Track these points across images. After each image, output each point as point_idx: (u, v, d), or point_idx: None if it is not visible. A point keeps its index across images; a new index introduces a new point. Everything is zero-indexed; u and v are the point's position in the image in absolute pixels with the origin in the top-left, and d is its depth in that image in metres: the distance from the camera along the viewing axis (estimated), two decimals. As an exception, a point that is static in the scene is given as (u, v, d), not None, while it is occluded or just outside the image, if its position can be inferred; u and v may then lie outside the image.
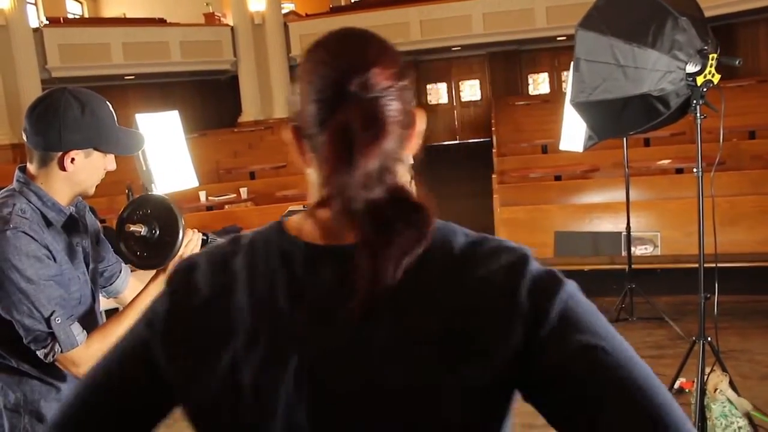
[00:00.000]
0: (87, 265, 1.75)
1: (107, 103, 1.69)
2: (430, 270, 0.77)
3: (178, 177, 5.52)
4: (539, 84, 18.28)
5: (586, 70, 2.82)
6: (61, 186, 1.65)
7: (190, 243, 1.75)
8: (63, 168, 1.62)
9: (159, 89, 17.00)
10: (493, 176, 6.54)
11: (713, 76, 2.74)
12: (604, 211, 5.38)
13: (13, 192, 1.63)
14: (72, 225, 1.70)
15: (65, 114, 1.58)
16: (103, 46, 14.56)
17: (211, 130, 16.10)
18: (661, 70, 2.69)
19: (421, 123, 0.89)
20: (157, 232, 1.57)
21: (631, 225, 4.89)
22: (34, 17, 17.29)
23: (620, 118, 2.89)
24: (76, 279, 1.67)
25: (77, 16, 20.06)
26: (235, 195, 7.88)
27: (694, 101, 2.77)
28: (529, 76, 18.34)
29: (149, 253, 1.61)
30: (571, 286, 0.78)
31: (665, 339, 4.38)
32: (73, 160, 1.61)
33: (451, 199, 10.40)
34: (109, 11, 20.45)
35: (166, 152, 5.41)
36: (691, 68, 2.70)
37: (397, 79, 0.82)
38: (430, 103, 19.15)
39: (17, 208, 1.59)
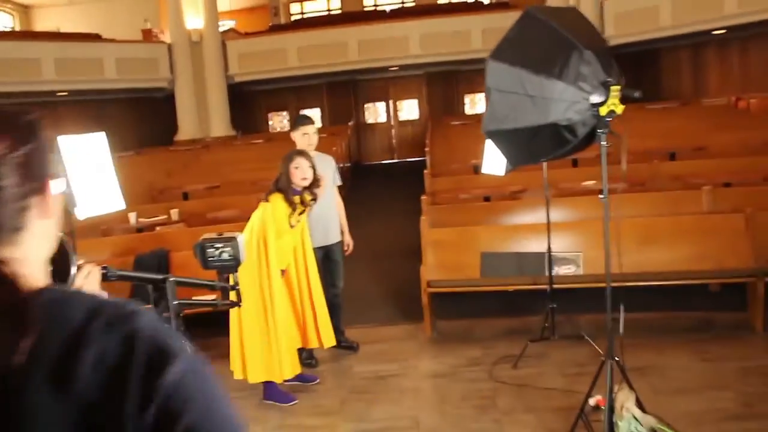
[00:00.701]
0: None
1: None
2: (50, 352, 0.74)
3: (103, 200, 5.41)
4: (476, 104, 18.62)
5: (497, 100, 2.91)
6: None
7: (90, 276, 1.73)
8: None
9: (93, 107, 16.61)
10: (423, 197, 6.63)
11: (616, 106, 2.87)
12: (530, 231, 5.52)
13: None
14: None
15: None
16: (34, 61, 14.15)
17: (146, 148, 15.80)
18: (567, 100, 2.80)
19: (56, 189, 0.88)
20: (50, 268, 1.54)
21: (555, 245, 5.04)
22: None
23: (530, 146, 2.99)
24: None
25: (7, 29, 19.47)
26: (165, 216, 7.75)
27: (599, 130, 2.89)
28: (465, 96, 18.67)
29: None
30: (183, 363, 0.75)
31: (585, 357, 4.51)
32: None
33: (384, 218, 10.50)
34: (41, 25, 19.92)
35: (91, 175, 5.30)
36: (595, 99, 2.82)
37: (12, 149, 0.81)
38: (368, 122, 19.28)
39: None
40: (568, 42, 2.80)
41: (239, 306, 2.68)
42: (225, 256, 2.59)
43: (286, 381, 4.64)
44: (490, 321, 5.57)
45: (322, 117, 19.57)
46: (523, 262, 5.45)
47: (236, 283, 2.64)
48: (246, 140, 16.02)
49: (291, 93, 19.17)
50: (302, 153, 4.34)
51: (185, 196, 9.75)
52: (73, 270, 1.56)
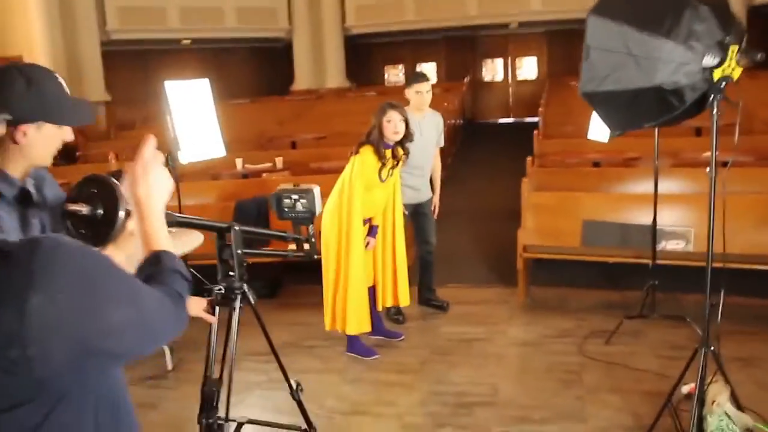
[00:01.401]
0: None
1: (56, 76, 1.70)
2: None
3: (205, 145, 5.57)
4: (599, 64, 17.70)
5: (597, 59, 2.68)
6: (13, 158, 1.66)
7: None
8: (15, 141, 1.63)
9: (214, 55, 17.16)
10: (528, 158, 6.37)
11: (733, 70, 2.57)
12: (638, 202, 5.18)
13: None
14: (27, 198, 1.71)
15: (10, 90, 1.58)
16: (160, 10, 14.75)
17: (262, 97, 16.20)
18: (675, 61, 2.53)
19: None
20: (101, 212, 1.54)
21: (666, 218, 4.71)
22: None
23: (631, 110, 2.75)
24: None
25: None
26: (270, 164, 7.91)
27: (711, 96, 2.60)
28: (588, 56, 17.76)
29: (90, 232, 1.59)
30: None
31: (684, 340, 4.22)
32: (24, 133, 1.62)
33: (490, 177, 10.24)
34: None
35: (195, 120, 5.46)
36: (708, 61, 2.53)
37: None
38: (484, 79, 18.79)
39: None
40: (680, -5, 2.52)
41: (312, 258, 2.67)
42: (300, 207, 2.58)
43: (370, 335, 4.67)
44: (586, 292, 5.33)
45: (438, 72, 19.27)
46: (627, 234, 5.14)
47: (311, 236, 2.61)
48: (359, 92, 16.06)
49: (408, 46, 18.98)
50: (395, 106, 4.24)
51: (293, 145, 9.93)
52: (121, 214, 1.56)
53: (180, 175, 7.70)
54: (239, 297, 2.32)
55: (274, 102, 15.16)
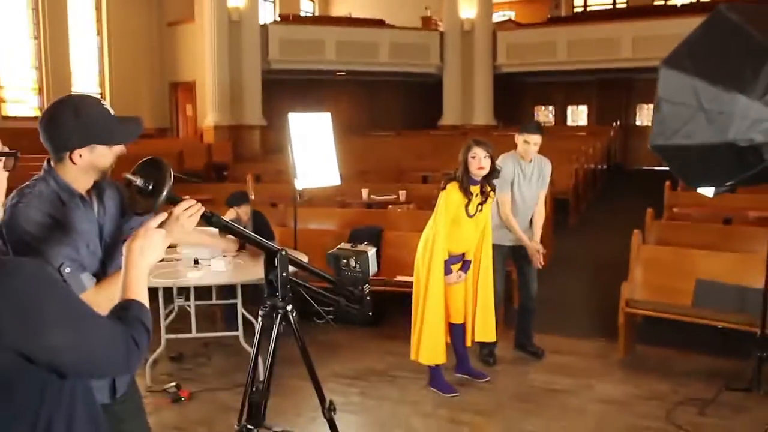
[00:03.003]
0: (101, 239, 2.05)
1: (101, 101, 1.98)
2: None
3: (322, 174, 5.87)
4: None
5: (668, 112, 2.60)
6: (75, 175, 1.97)
7: (189, 210, 1.95)
8: (74, 162, 1.92)
9: (366, 87, 17.88)
10: (649, 210, 6.09)
11: (817, 130, 2.39)
12: (759, 264, 4.78)
13: (39, 178, 1.98)
14: (88, 204, 2.01)
15: (61, 122, 1.88)
16: (318, 43, 15.67)
17: (409, 130, 16.63)
18: (750, 117, 2.40)
19: None
20: (150, 187, 1.85)
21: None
22: (270, 13, 19.05)
23: (705, 166, 2.62)
24: (84, 247, 1.96)
25: (309, 14, 21.72)
26: (395, 196, 8.13)
27: (792, 157, 2.43)
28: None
29: (139, 201, 1.93)
30: None
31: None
32: (81, 155, 1.92)
33: (620, 227, 9.73)
34: (337, 10, 21.86)
35: (314, 150, 5.78)
36: (788, 119, 2.38)
37: None
38: (637, 124, 18.07)
39: (36, 189, 1.95)
40: (761, 48, 2.39)
41: (366, 316, 2.77)
42: (355, 267, 2.69)
43: (456, 372, 4.67)
44: (693, 356, 4.99)
45: (589, 115, 18.82)
46: (743, 298, 4.77)
47: (366, 294, 2.71)
48: (505, 131, 16.01)
49: (559, 87, 18.72)
50: (480, 143, 4.27)
51: (424, 179, 10.12)
52: (165, 190, 1.85)
53: (309, 200, 8.18)
54: (280, 316, 2.45)
55: (419, 136, 15.51)
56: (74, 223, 1.97)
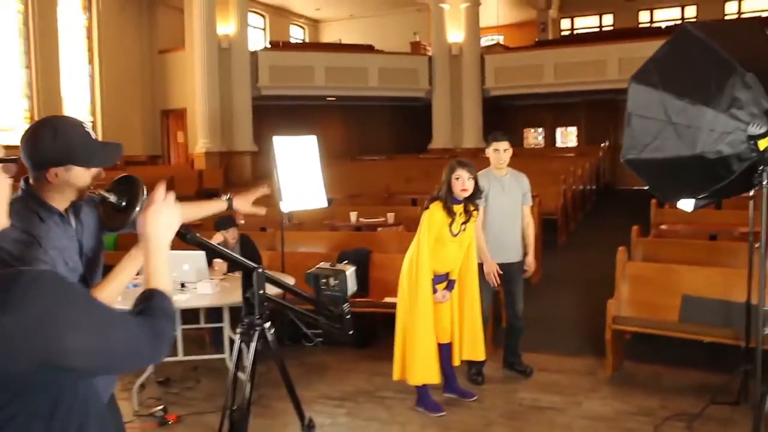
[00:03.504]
0: (81, 255, 2.07)
1: (82, 124, 2.00)
2: None
3: (308, 197, 5.91)
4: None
5: (638, 126, 2.66)
6: (53, 193, 1.99)
7: None
8: (49, 181, 1.94)
9: (356, 112, 18.00)
10: (634, 228, 6.13)
11: (783, 140, 2.44)
12: (744, 279, 4.82)
13: (17, 196, 2.01)
14: (67, 221, 2.04)
15: (40, 140, 1.92)
16: (308, 69, 15.82)
17: (399, 154, 16.73)
18: (716, 130, 2.45)
19: None
20: (124, 203, 1.93)
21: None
22: (260, 40, 19.21)
23: (677, 179, 2.67)
24: (62, 264, 1.98)
25: (299, 40, 21.93)
26: (383, 219, 8.16)
27: (760, 168, 2.48)
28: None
29: (113, 217, 2.01)
30: None
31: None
32: (56, 174, 1.94)
33: (608, 246, 9.76)
34: (327, 37, 22.10)
35: (300, 173, 5.82)
36: (754, 130, 2.43)
37: None
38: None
39: (14, 206, 1.94)
40: (725, 63, 2.44)
41: (346, 335, 2.78)
42: (334, 286, 2.71)
43: (443, 392, 4.67)
44: (682, 371, 5.00)
45: (578, 136, 18.97)
46: (729, 313, 4.79)
47: (347, 313, 2.73)
48: (494, 153, 16.14)
49: (548, 110, 18.89)
50: (464, 164, 4.31)
51: (413, 202, 10.16)
52: (137, 208, 1.92)
53: (299, 224, 8.21)
54: (257, 333, 2.47)
55: (408, 160, 15.60)
56: (53, 240, 2.00)
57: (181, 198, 1.98)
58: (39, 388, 1.19)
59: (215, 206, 2.68)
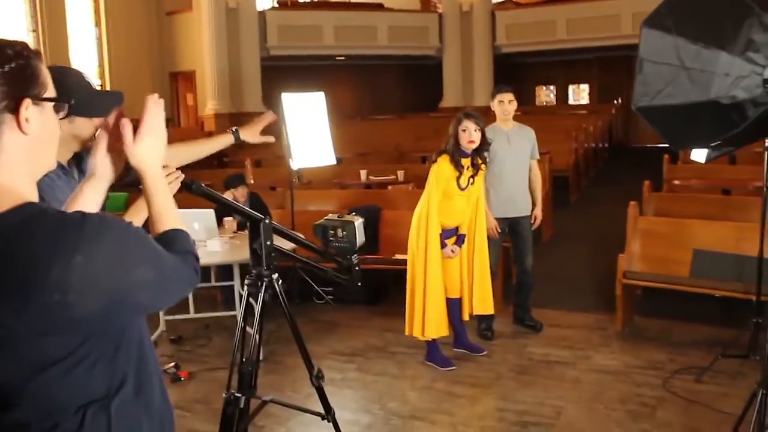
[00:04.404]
0: None
1: (81, 73, 1.97)
2: None
3: (317, 154, 5.87)
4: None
5: (650, 72, 2.58)
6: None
7: (169, 177, 1.93)
8: None
9: (366, 71, 17.81)
10: (646, 183, 6.06)
11: (801, 84, 2.36)
12: (756, 233, 4.77)
13: None
14: (69, 173, 2.02)
15: None
16: (317, 28, 15.62)
17: (410, 113, 16.58)
18: (731, 74, 2.38)
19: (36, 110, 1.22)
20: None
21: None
22: (267, 0, 18.94)
23: (691, 127, 2.60)
24: None
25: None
26: (393, 176, 8.13)
27: (776, 113, 2.41)
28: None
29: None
30: None
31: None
32: (60, 126, 1.90)
33: (621, 202, 9.72)
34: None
35: (308, 130, 5.77)
36: (770, 74, 2.35)
37: None
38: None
39: None
40: (741, 2, 2.36)
41: (355, 285, 2.77)
42: (342, 237, 2.69)
43: (453, 347, 4.68)
44: (692, 326, 4.99)
45: (591, 94, 18.72)
46: (741, 266, 4.76)
47: (354, 264, 2.72)
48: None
49: (560, 67, 18.61)
50: (470, 116, 4.26)
51: (423, 160, 10.10)
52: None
53: (308, 183, 8.19)
54: (265, 285, 2.47)
55: (419, 118, 15.47)
56: (55, 192, 1.98)
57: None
58: (106, 329, 1.22)
59: (222, 140, 2.62)
